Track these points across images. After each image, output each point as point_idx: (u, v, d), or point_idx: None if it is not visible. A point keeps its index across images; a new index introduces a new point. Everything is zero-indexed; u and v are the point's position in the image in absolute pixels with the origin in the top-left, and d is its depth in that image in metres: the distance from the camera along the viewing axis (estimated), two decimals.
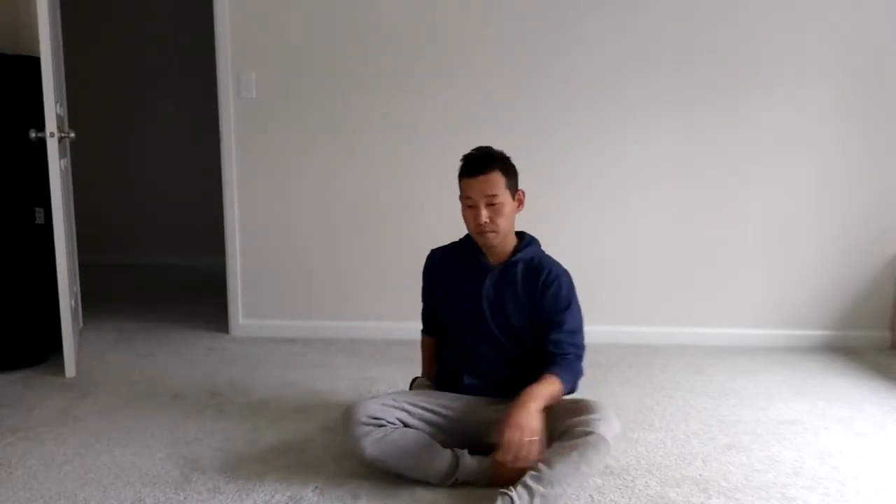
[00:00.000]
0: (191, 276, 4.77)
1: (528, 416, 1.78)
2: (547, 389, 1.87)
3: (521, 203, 2.05)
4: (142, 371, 2.89)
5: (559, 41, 3.19)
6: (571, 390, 1.97)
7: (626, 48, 3.18)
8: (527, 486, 1.72)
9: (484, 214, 1.96)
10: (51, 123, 2.62)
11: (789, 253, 3.30)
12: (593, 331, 3.29)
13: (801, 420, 2.45)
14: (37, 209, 2.92)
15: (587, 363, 2.98)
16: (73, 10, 3.87)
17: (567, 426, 1.84)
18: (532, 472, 1.75)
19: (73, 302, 2.94)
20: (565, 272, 2.06)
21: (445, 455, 1.90)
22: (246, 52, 3.24)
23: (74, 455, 2.11)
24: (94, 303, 3.81)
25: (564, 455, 1.77)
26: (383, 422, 1.91)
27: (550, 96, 3.22)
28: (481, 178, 1.96)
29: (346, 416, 1.93)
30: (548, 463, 1.76)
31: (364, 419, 1.89)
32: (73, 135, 2.90)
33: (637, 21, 3.16)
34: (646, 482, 1.98)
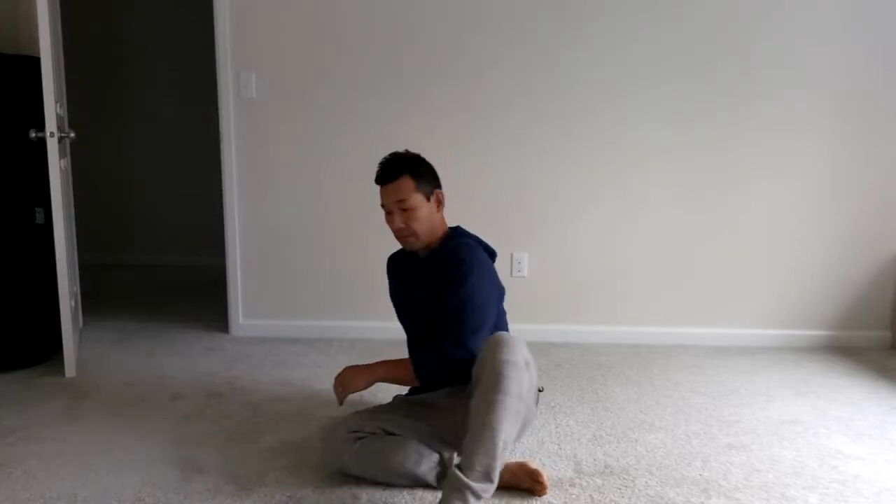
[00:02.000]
0: (191, 276, 4.77)
1: (354, 377, 1.97)
2: (395, 370, 1.97)
3: (440, 203, 2.07)
4: (142, 371, 2.89)
5: (568, 49, 3.19)
6: (433, 377, 1.95)
7: (632, 56, 3.18)
8: (466, 452, 1.68)
9: (398, 220, 2.01)
10: (51, 123, 2.62)
11: (789, 253, 3.30)
12: (593, 331, 3.35)
13: (801, 420, 2.45)
14: (37, 209, 2.92)
15: (587, 363, 3.00)
16: (73, 10, 3.88)
17: (476, 371, 1.79)
18: (467, 436, 1.70)
19: (73, 302, 2.94)
20: (470, 257, 1.97)
21: (432, 459, 1.89)
22: (246, 52, 3.24)
23: (74, 455, 2.11)
24: (94, 303, 3.81)
25: (479, 396, 1.71)
26: (363, 433, 1.92)
27: (552, 99, 3.22)
28: (391, 185, 2.00)
29: (328, 437, 1.97)
30: (473, 414, 1.71)
31: (344, 435, 1.92)
32: (73, 135, 2.90)
33: (644, 30, 3.17)
34: (646, 482, 1.98)
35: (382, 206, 2.04)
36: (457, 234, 2.11)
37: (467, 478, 1.64)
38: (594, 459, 2.11)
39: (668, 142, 3.25)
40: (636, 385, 2.77)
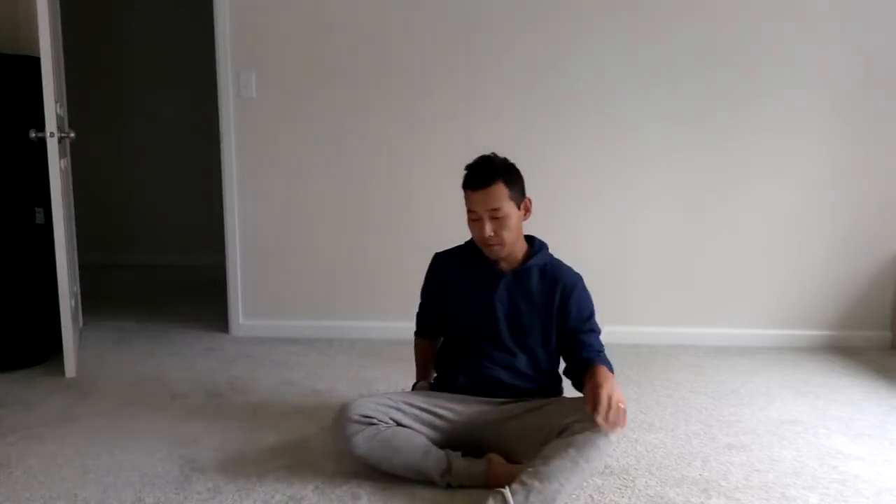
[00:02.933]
0: (191, 276, 4.77)
1: (615, 385, 1.81)
2: (610, 374, 1.90)
3: (527, 211, 2.03)
4: (142, 371, 2.89)
5: (568, 49, 3.19)
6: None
7: (631, 56, 3.18)
8: (522, 483, 1.70)
9: (488, 228, 1.93)
10: (51, 123, 2.62)
11: (789, 253, 3.30)
12: None
13: (801, 420, 2.45)
14: (37, 209, 2.92)
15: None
16: (73, 10, 3.88)
17: (567, 423, 1.83)
18: (528, 469, 1.74)
19: (73, 302, 2.94)
20: (580, 277, 2.09)
21: (438, 456, 1.89)
22: (246, 52, 3.24)
23: (74, 455, 2.11)
24: (94, 303, 3.81)
25: (562, 451, 1.75)
26: (375, 420, 1.90)
27: (552, 99, 3.22)
28: (483, 191, 1.93)
29: (338, 415, 1.92)
30: (545, 459, 1.75)
31: (356, 417, 1.89)
32: (73, 135, 2.90)
33: (644, 30, 3.16)
34: (646, 482, 1.98)
35: (471, 211, 1.97)
36: (542, 245, 2.12)
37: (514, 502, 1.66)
38: None
39: (668, 142, 3.25)
40: (636, 385, 2.77)
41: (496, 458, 1.91)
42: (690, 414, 2.49)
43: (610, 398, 1.74)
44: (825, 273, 3.31)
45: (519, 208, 1.99)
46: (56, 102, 2.67)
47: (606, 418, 1.73)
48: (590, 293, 2.11)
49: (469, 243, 2.12)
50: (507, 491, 1.68)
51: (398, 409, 1.95)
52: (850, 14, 3.13)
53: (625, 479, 2.00)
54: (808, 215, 3.27)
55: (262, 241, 3.37)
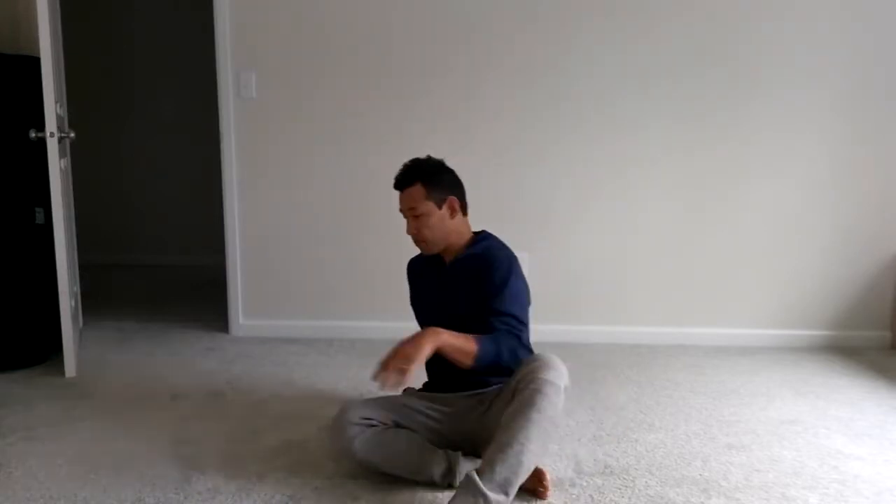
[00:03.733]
0: (191, 276, 4.77)
1: (414, 346, 1.75)
2: (457, 339, 1.81)
3: (453, 210, 2.06)
4: (142, 371, 2.89)
5: (568, 50, 3.19)
6: (487, 362, 1.86)
7: (631, 57, 3.19)
8: (488, 459, 1.68)
9: (411, 226, 2.04)
10: (51, 123, 2.62)
11: (789, 253, 3.30)
12: (593, 331, 3.35)
13: (801, 420, 2.45)
14: (37, 209, 2.92)
15: (587, 363, 3.00)
16: (73, 10, 3.88)
17: (513, 387, 1.80)
18: (492, 444, 1.71)
19: (73, 302, 2.94)
20: (506, 255, 2.04)
21: (439, 457, 1.90)
22: (246, 52, 3.24)
23: (74, 455, 2.11)
24: (95, 303, 3.81)
25: (513, 412, 1.72)
26: (375, 422, 1.90)
27: (552, 99, 3.22)
28: (404, 192, 2.04)
29: (337, 418, 1.92)
30: (502, 428, 1.71)
31: (356, 420, 1.89)
32: (73, 135, 2.90)
33: (644, 31, 3.17)
34: (646, 482, 1.98)
35: (399, 210, 2.08)
36: (484, 237, 2.12)
37: (484, 485, 1.63)
38: (594, 459, 2.12)
39: (668, 142, 3.25)
40: (636, 385, 2.77)
41: None
42: (690, 414, 2.49)
43: (397, 349, 1.76)
44: (825, 273, 3.31)
45: (441, 208, 2.03)
46: (56, 102, 2.67)
47: (386, 365, 1.74)
48: (513, 270, 1.99)
49: None
50: (473, 472, 1.67)
51: (397, 411, 1.96)
52: (850, 14, 3.13)
53: (625, 479, 2.00)
54: (808, 215, 3.27)
55: (262, 241, 3.37)
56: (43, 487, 1.92)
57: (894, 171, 3.24)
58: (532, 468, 1.72)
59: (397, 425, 1.94)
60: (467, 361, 1.84)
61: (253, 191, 3.34)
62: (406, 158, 2.14)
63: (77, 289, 3.36)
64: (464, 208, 2.10)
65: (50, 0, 2.69)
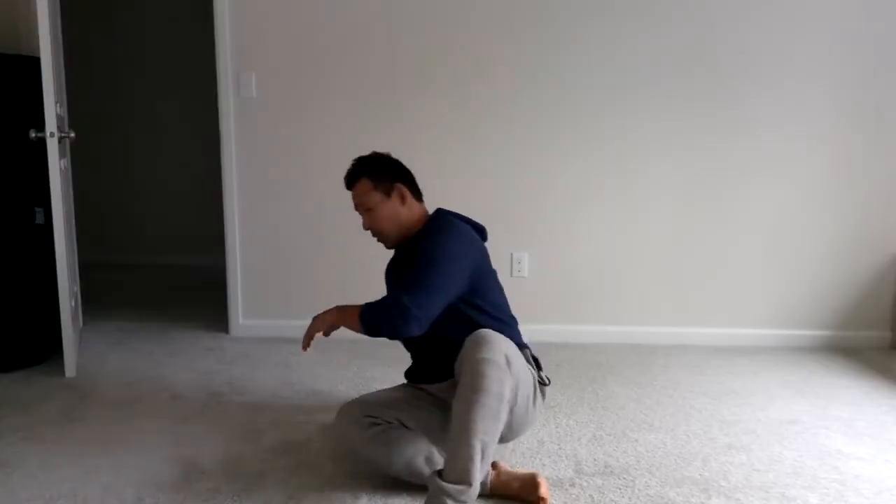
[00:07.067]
0: (191, 276, 4.77)
1: (319, 317, 1.85)
2: (347, 310, 1.83)
3: (403, 197, 2.04)
4: (142, 371, 2.89)
5: (567, 50, 3.19)
6: (372, 327, 1.79)
7: (631, 57, 3.19)
8: (447, 456, 1.67)
9: (365, 222, 2.06)
10: (51, 123, 2.62)
11: (789, 253, 3.30)
12: (593, 331, 3.35)
13: (801, 420, 2.45)
14: (37, 209, 2.92)
15: (587, 363, 3.00)
16: (73, 11, 3.88)
17: (456, 370, 1.76)
18: (447, 440, 1.69)
19: (73, 302, 2.94)
20: (441, 225, 1.96)
21: (441, 462, 1.87)
22: (246, 52, 3.24)
23: (74, 455, 2.11)
24: (95, 303, 3.81)
25: (459, 397, 1.68)
26: (379, 420, 1.89)
27: (552, 99, 3.22)
28: (353, 190, 2.07)
29: (342, 414, 1.91)
30: (453, 415, 1.69)
31: (361, 417, 1.88)
32: (73, 135, 2.90)
33: (644, 31, 3.17)
34: (646, 482, 1.98)
35: (355, 209, 2.10)
36: (437, 216, 2.08)
37: (444, 482, 1.62)
38: (594, 459, 2.11)
39: (669, 142, 3.25)
40: (636, 385, 2.77)
41: (502, 466, 1.91)
42: (690, 414, 2.49)
43: (311, 325, 1.84)
44: (825, 273, 3.31)
45: (390, 197, 2.03)
46: (56, 102, 2.67)
47: (305, 342, 1.84)
48: (441, 247, 1.88)
49: None
50: (433, 474, 1.67)
51: (401, 410, 1.94)
52: (850, 15, 3.13)
53: (625, 479, 2.00)
54: (808, 215, 3.27)
55: (262, 241, 3.37)
56: (43, 487, 1.92)
57: (895, 171, 3.24)
58: (492, 446, 1.67)
59: (401, 425, 1.92)
60: (360, 330, 1.81)
61: (253, 191, 3.34)
62: (404, 158, 2.14)
63: (77, 289, 3.36)
64: (416, 194, 2.08)
65: (50, 0, 2.69)
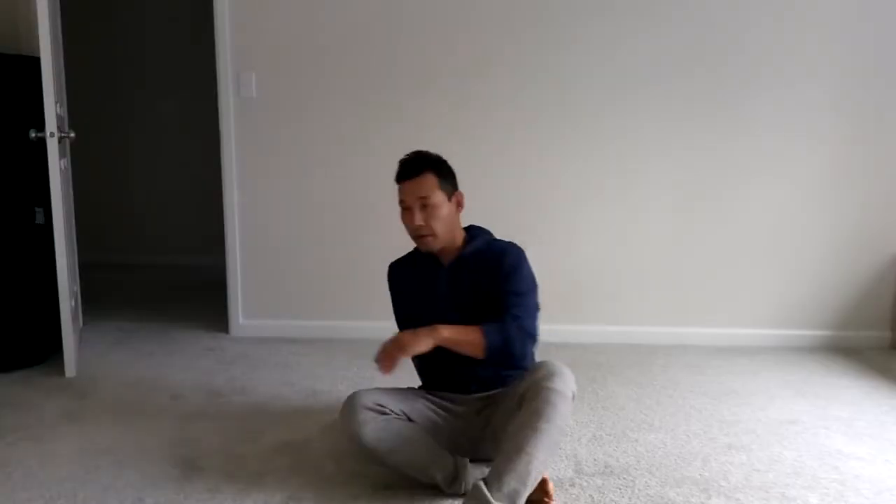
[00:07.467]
0: (191, 276, 4.77)
1: (414, 338, 1.81)
2: (461, 332, 1.83)
3: (459, 205, 2.02)
4: (142, 371, 2.89)
5: (568, 50, 3.19)
6: (497, 350, 1.84)
7: (631, 57, 3.19)
8: (496, 468, 1.67)
9: (418, 217, 1.93)
10: (51, 123, 2.62)
11: (789, 253, 3.30)
12: (593, 331, 3.35)
13: (801, 420, 2.45)
14: (37, 209, 2.92)
15: (587, 363, 3.00)
16: (73, 11, 3.87)
17: (520, 393, 1.79)
18: (500, 455, 1.70)
19: (73, 302, 2.94)
20: (512, 246, 2.02)
21: (446, 460, 1.87)
22: (246, 52, 3.24)
23: (74, 455, 2.11)
24: (95, 303, 3.81)
25: (522, 421, 1.71)
26: (387, 410, 1.88)
27: (552, 99, 3.22)
28: (414, 180, 1.94)
29: (349, 401, 1.89)
30: (509, 436, 1.71)
31: (369, 405, 1.86)
32: (73, 135, 2.90)
33: (644, 31, 3.17)
34: (646, 482, 1.98)
35: (401, 202, 1.98)
36: (479, 232, 2.08)
37: (493, 496, 1.62)
38: (594, 459, 2.12)
39: (669, 142, 3.25)
40: (636, 385, 2.77)
41: None
42: (690, 414, 2.49)
43: (397, 337, 1.83)
44: (825, 273, 3.31)
45: (450, 201, 1.99)
46: (56, 102, 2.67)
47: (384, 350, 1.81)
48: (522, 259, 1.99)
49: (417, 247, 2.08)
50: (480, 483, 1.65)
51: (407, 403, 1.94)
52: (851, 15, 3.13)
53: (625, 479, 2.00)
54: (807, 215, 3.27)
55: (262, 241, 3.37)
56: (43, 487, 1.92)
57: (894, 171, 3.24)
58: (539, 478, 1.71)
59: (408, 418, 1.92)
60: (478, 353, 1.84)
61: (253, 191, 3.34)
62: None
63: (77, 289, 3.36)
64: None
65: (50, 0, 2.69)
